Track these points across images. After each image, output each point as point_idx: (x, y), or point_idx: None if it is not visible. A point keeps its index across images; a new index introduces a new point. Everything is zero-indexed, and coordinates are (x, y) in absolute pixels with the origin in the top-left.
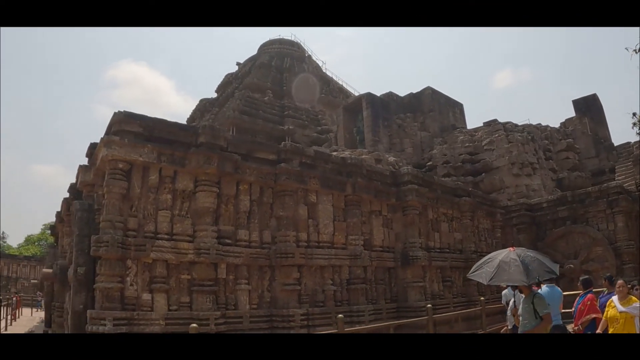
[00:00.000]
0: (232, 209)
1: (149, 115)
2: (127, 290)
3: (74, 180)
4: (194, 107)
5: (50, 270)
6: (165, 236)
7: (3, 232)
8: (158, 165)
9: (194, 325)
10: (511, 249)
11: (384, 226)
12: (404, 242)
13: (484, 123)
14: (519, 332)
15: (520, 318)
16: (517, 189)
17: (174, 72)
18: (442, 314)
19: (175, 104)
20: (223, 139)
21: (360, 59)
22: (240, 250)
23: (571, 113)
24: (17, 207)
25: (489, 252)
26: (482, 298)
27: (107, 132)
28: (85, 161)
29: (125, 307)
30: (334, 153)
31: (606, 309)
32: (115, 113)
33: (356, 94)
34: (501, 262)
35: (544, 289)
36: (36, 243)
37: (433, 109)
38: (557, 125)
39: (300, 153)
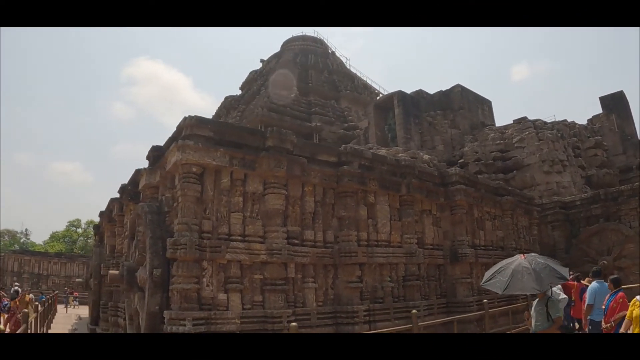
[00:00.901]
0: (298, 210)
1: (216, 120)
2: (203, 290)
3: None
4: (211, 104)
5: (116, 272)
6: (239, 237)
7: (26, 229)
8: (230, 169)
9: (294, 324)
10: (522, 256)
11: (434, 225)
12: (452, 240)
13: (513, 120)
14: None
15: (533, 320)
16: (547, 186)
17: (190, 69)
18: (493, 309)
19: (193, 101)
20: (289, 142)
21: (377, 54)
22: (307, 250)
23: (591, 107)
24: (38, 204)
25: (531, 249)
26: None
27: (177, 136)
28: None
29: (202, 307)
30: (370, 151)
31: (630, 308)
32: (185, 117)
33: (378, 89)
34: (514, 271)
35: (594, 284)
36: (61, 240)
37: (463, 106)
38: (580, 120)
39: (360, 155)
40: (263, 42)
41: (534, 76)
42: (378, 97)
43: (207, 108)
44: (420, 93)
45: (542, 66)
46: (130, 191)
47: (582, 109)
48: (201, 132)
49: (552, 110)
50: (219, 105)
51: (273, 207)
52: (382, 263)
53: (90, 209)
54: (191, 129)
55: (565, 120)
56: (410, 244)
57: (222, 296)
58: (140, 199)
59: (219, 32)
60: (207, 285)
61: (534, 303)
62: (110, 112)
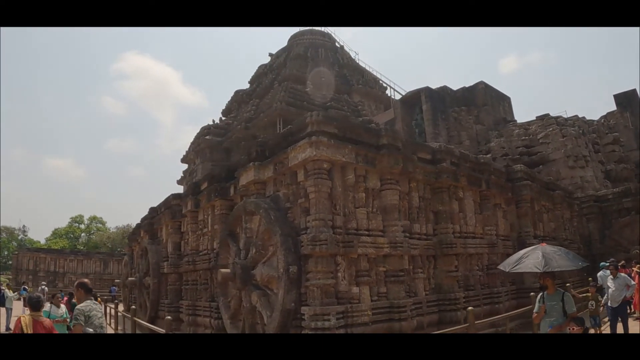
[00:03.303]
0: (407, 205)
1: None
2: (339, 285)
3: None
4: (202, 99)
5: (228, 271)
6: (365, 232)
7: (24, 226)
8: (354, 165)
9: (471, 308)
10: (542, 244)
11: (503, 217)
12: (518, 232)
13: (536, 117)
14: (548, 328)
15: (546, 315)
16: (572, 180)
17: (179, 64)
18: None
19: (183, 96)
20: (400, 141)
21: (370, 43)
22: (416, 242)
23: (580, 100)
24: (35, 200)
25: (573, 239)
26: (590, 279)
27: (297, 132)
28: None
29: (339, 302)
30: (458, 150)
31: None
32: (311, 114)
33: (388, 82)
34: (544, 253)
35: None
36: (63, 236)
37: (486, 102)
38: (584, 113)
39: (451, 153)
40: (256, 38)
41: (524, 68)
42: (386, 91)
43: (198, 103)
44: (445, 89)
45: (532, 58)
46: (216, 187)
47: (567, 101)
48: (327, 128)
49: (549, 103)
50: (208, 100)
51: (390, 202)
52: (472, 253)
53: (87, 205)
54: (318, 126)
55: (577, 116)
56: (490, 235)
57: (355, 289)
58: (232, 194)
59: (209, 28)
60: (342, 280)
61: (541, 298)
62: (102, 107)
